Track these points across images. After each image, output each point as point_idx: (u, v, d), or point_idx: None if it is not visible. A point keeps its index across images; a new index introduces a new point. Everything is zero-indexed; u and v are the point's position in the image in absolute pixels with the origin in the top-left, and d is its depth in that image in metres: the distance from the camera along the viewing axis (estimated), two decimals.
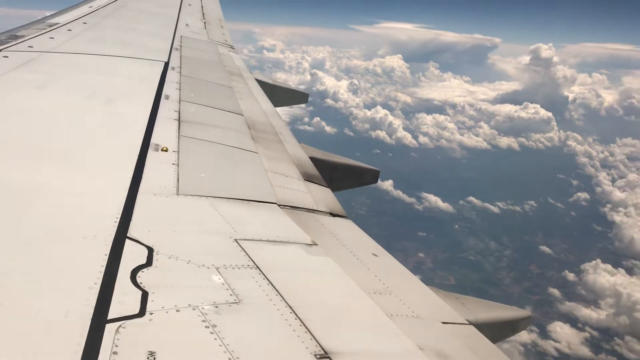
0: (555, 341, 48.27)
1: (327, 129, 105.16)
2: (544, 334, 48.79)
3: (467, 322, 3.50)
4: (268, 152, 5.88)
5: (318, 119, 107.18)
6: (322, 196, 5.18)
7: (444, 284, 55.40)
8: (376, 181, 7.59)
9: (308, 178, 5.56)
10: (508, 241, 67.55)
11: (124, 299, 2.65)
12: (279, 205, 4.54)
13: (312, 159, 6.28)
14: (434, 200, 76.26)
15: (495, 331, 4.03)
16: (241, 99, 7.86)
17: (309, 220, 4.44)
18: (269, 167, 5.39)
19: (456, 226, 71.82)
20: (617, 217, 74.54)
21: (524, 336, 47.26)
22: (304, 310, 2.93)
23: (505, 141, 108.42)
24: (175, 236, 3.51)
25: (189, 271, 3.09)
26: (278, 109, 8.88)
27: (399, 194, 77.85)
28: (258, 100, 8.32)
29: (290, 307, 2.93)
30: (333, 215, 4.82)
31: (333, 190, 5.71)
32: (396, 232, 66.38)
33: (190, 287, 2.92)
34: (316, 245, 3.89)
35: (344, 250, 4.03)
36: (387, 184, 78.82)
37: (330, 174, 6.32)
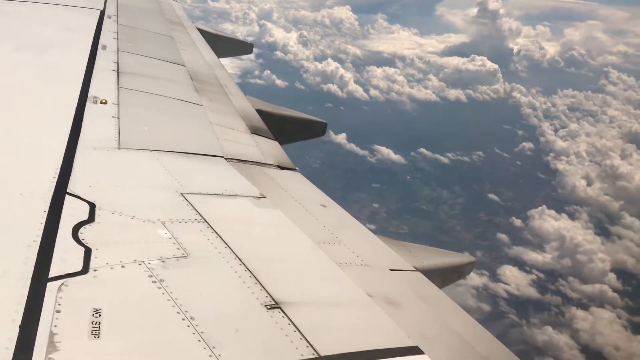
0: (505, 283, 50.83)
1: (278, 82, 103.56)
2: (494, 277, 51.19)
3: (414, 269, 3.60)
4: (213, 104, 5.78)
5: (268, 72, 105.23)
6: (269, 149, 5.16)
7: (397, 233, 56.67)
8: (324, 133, 7.61)
9: (255, 131, 5.51)
10: (458, 190, 69.40)
11: (65, 257, 2.59)
12: (226, 159, 4.50)
13: (258, 111, 6.22)
14: (386, 152, 77.14)
15: (442, 276, 4.18)
16: (183, 50, 7.66)
17: (256, 173, 4.43)
18: (214, 119, 5.31)
19: (408, 177, 73.09)
20: (560, 166, 77.60)
21: (476, 280, 49.48)
22: (253, 262, 2.95)
23: (453, 93, 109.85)
24: (118, 191, 3.44)
25: (134, 226, 3.05)
26: (224, 60, 8.71)
27: (352, 147, 78.27)
28: (200, 50, 8.13)
29: (239, 259, 2.95)
30: (281, 168, 4.82)
31: (281, 143, 5.69)
32: (350, 184, 67.05)
33: (136, 243, 2.88)
34: (264, 197, 3.89)
35: (292, 202, 4.05)
36: (340, 137, 79.09)
37: (278, 127, 6.28)
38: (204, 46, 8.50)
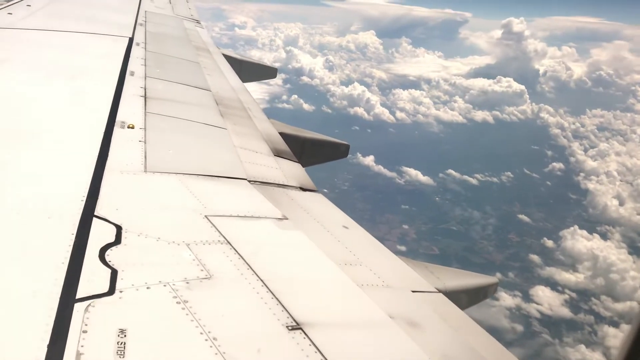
0: (538, 304, 50.29)
1: (306, 106, 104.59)
2: (527, 298, 50.68)
3: (436, 290, 3.60)
4: (237, 128, 5.88)
5: (296, 96, 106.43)
6: (292, 171, 5.22)
7: (428, 255, 56.47)
8: (346, 155, 7.65)
9: (278, 153, 5.59)
10: (488, 211, 68.81)
11: (92, 278, 2.67)
12: (249, 181, 4.57)
13: (281, 134, 6.30)
14: (415, 174, 77.12)
15: (464, 298, 4.15)
16: (208, 75, 7.81)
17: (279, 195, 4.49)
18: (238, 143, 5.40)
19: (437, 198, 72.78)
20: (591, 185, 76.47)
21: (508, 300, 49.16)
22: (275, 283, 2.99)
23: (480, 115, 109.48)
24: (144, 214, 3.53)
25: (159, 248, 3.12)
26: (252, 86, 8.85)
27: (380, 169, 78.41)
28: (225, 75, 8.28)
29: (261, 280, 2.99)
30: (303, 189, 4.86)
31: (304, 165, 5.75)
32: (379, 205, 67.07)
33: (161, 264, 2.95)
34: (287, 219, 3.94)
35: (314, 224, 4.08)
36: (368, 160, 79.36)
37: (300, 149, 6.37)
38: (229, 71, 8.66)
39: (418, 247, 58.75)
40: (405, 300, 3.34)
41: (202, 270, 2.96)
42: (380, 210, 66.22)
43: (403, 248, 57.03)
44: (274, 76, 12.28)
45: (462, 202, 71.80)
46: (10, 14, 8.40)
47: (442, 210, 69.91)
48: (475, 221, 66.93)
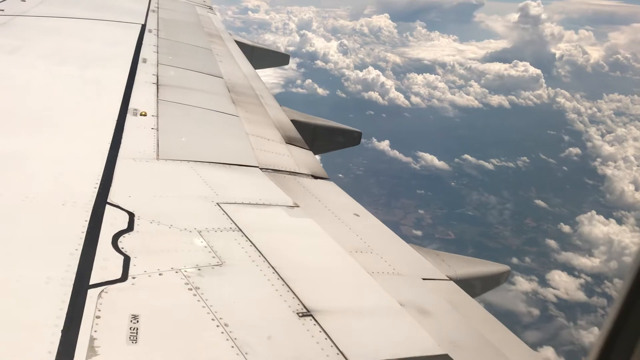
0: (554, 288, 50.40)
1: (320, 91, 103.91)
2: (543, 283, 50.76)
3: (447, 278, 3.61)
4: (249, 115, 5.91)
5: (310, 81, 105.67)
6: (303, 159, 5.23)
7: (444, 239, 56.48)
8: (359, 142, 7.64)
9: (290, 141, 5.60)
10: (504, 196, 68.54)
11: (105, 264, 2.71)
12: (261, 169, 4.60)
13: (293, 121, 6.31)
14: (430, 159, 76.70)
15: (475, 285, 4.16)
16: (220, 62, 7.83)
17: (290, 182, 4.51)
18: (250, 130, 5.43)
19: (453, 183, 72.49)
20: (608, 171, 75.69)
21: (525, 285, 49.40)
22: (286, 270, 3.02)
23: (496, 99, 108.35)
24: (156, 201, 3.57)
25: (171, 235, 3.15)
26: (266, 70, 8.84)
27: (395, 153, 78.06)
28: (238, 62, 8.29)
29: (273, 267, 3.02)
30: (315, 177, 4.88)
31: (315, 152, 5.76)
32: (395, 190, 66.96)
33: (173, 251, 2.99)
34: (298, 207, 3.96)
35: (325, 211, 4.10)
36: (383, 145, 79.01)
37: (312, 137, 6.38)
38: (241, 58, 8.66)
39: (434, 232, 58.69)
40: (416, 288, 3.35)
41: (213, 257, 3.00)
42: (395, 195, 66.16)
43: (419, 233, 57.03)
44: (287, 63, 12.26)
45: (478, 187, 71.49)
46: (24, 1, 8.45)
47: (458, 195, 69.63)
48: (492, 206, 66.67)
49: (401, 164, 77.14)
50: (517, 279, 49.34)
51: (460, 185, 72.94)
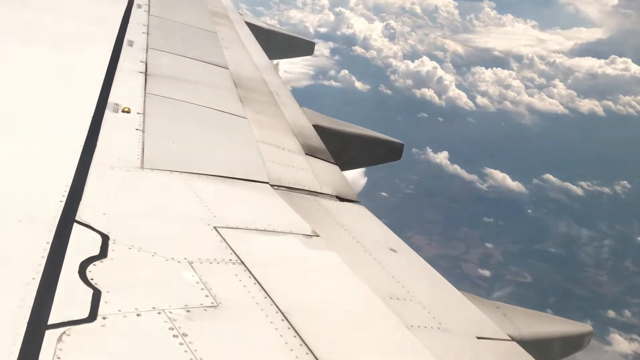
0: None
1: (358, 85, 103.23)
2: None
3: (509, 338, 3.55)
4: (260, 117, 5.92)
5: (346, 72, 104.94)
6: (327, 175, 5.23)
7: (517, 282, 56.07)
8: (399, 157, 7.61)
9: (311, 152, 5.61)
10: (598, 230, 67.70)
11: (70, 299, 2.70)
12: (272, 186, 4.59)
13: (316, 127, 6.32)
14: (501, 177, 75.97)
15: (547, 350, 4.09)
16: (227, 48, 7.88)
17: (309, 205, 4.50)
18: (261, 136, 5.44)
19: (530, 210, 71.85)
20: None
21: (624, 345, 48.84)
22: (299, 317, 2.98)
23: (586, 104, 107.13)
24: (138, 221, 3.57)
25: (155, 266, 3.14)
26: (287, 61, 8.85)
27: (456, 169, 77.57)
28: (249, 50, 8.34)
29: (282, 313, 2.99)
30: (341, 199, 4.86)
31: (343, 168, 5.74)
32: (454, 216, 66.46)
33: (156, 286, 2.98)
34: (317, 236, 3.94)
35: (353, 244, 4.08)
36: (440, 157, 78.61)
37: (339, 148, 6.36)
38: (253, 45, 8.72)
39: (505, 273, 58.22)
40: (468, 349, 3.30)
41: (207, 296, 2.97)
42: (455, 223, 65.73)
43: (485, 273, 56.61)
44: (311, 52, 12.29)
45: (564, 217, 70.65)
46: None
47: (537, 226, 68.90)
48: (582, 242, 65.87)
49: (463, 182, 76.70)
50: (614, 337, 48.69)
51: (540, 213, 72.22)
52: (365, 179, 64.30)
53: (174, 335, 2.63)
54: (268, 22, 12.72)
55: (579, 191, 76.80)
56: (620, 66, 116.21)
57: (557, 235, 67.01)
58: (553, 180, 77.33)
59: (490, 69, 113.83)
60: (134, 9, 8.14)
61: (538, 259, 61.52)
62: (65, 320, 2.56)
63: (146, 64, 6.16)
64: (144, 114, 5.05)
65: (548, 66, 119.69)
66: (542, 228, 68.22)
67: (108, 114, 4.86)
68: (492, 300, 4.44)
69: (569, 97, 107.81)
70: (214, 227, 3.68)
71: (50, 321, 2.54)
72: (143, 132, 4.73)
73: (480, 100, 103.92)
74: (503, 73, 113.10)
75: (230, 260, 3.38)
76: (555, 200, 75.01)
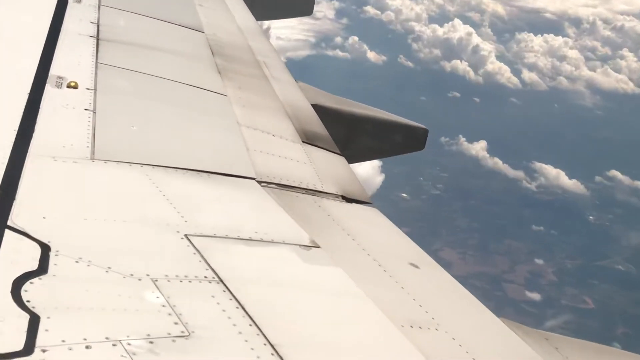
0: None
1: (371, 55, 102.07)
2: None
3: None
4: (243, 94, 5.92)
5: (356, 38, 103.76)
6: (330, 168, 5.23)
7: (576, 309, 55.89)
8: (422, 146, 7.59)
9: (309, 139, 5.62)
10: None
11: (0, 327, 2.71)
12: (260, 182, 4.60)
13: (316, 107, 6.31)
14: (555, 174, 75.30)
15: None
16: (201, 6, 7.88)
17: (307, 207, 4.51)
18: (244, 119, 5.44)
19: (591, 217, 71.46)
20: None
21: None
22: (294, 352, 3.00)
23: None
24: (88, 227, 3.57)
25: (109, 284, 3.15)
26: (283, 21, 8.75)
27: (496, 163, 76.85)
28: (230, 8, 8.33)
29: (271, 345, 2.99)
30: (348, 200, 4.87)
31: (351, 160, 5.74)
32: (495, 224, 65.92)
33: (110, 310, 2.98)
34: (318, 247, 3.94)
35: (363, 257, 4.08)
36: (476, 148, 77.90)
37: (346, 134, 6.36)
38: (236, 1, 8.71)
39: (560, 296, 57.94)
40: None
41: (176, 323, 2.98)
42: (496, 232, 65.37)
43: (535, 296, 56.35)
44: (310, 12, 12.25)
45: (635, 225, 70.35)
46: None
47: (601, 236, 68.62)
48: None
49: (507, 180, 76.24)
50: None
51: (605, 220, 71.90)
52: (382, 175, 64.06)
53: None
54: None
55: None
56: None
57: (626, 248, 66.76)
58: (621, 179, 77.14)
59: (540, 35, 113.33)
60: None
61: (602, 279, 61.32)
62: None
63: (98, 26, 6.16)
64: (95, 89, 5.06)
65: (614, 32, 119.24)
66: (607, 239, 67.95)
67: (49, 89, 4.86)
68: (542, 330, 4.44)
69: None
70: (185, 235, 3.69)
71: None
72: (94, 113, 4.74)
73: (527, 75, 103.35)
74: (556, 41, 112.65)
75: (206, 277, 3.39)
76: (623, 203, 74.75)
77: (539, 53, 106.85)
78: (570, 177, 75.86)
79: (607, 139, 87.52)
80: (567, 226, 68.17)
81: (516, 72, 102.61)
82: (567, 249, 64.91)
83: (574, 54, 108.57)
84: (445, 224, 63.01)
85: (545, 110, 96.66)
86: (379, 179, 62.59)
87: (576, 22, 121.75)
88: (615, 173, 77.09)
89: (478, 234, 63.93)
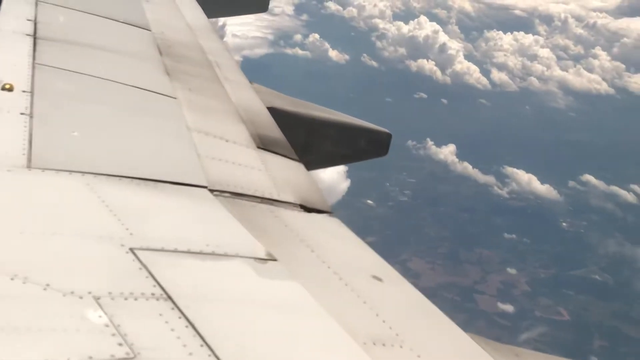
0: None
1: (333, 54, 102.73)
2: None
3: None
4: (194, 96, 5.91)
5: (317, 36, 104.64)
6: (288, 176, 5.24)
7: (551, 321, 56.52)
8: (386, 152, 7.62)
9: (265, 144, 5.62)
10: None
11: None
12: (212, 191, 4.60)
13: (272, 111, 6.32)
14: (526, 179, 76.08)
15: None
16: (147, 1, 7.87)
17: (263, 217, 4.51)
18: (195, 123, 5.44)
19: (564, 224, 72.23)
20: None
21: None
22: None
23: (638, 81, 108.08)
24: (23, 241, 3.54)
25: (47, 302, 3.12)
26: (235, 18, 8.77)
27: (466, 167, 77.53)
28: (179, 4, 8.33)
29: None
30: (307, 209, 4.88)
31: (310, 166, 5.75)
32: (465, 232, 66.47)
33: (48, 331, 2.95)
34: (274, 260, 3.94)
35: (323, 270, 4.08)
36: (445, 152, 78.61)
37: (305, 139, 6.36)
38: None
39: (533, 307, 58.56)
40: None
41: (120, 344, 2.96)
42: (467, 241, 65.96)
43: (507, 308, 56.88)
44: (265, 8, 12.28)
45: (611, 232, 71.23)
46: None
47: (575, 244, 69.43)
48: (636, 266, 66.42)
49: (477, 186, 76.94)
50: None
51: (579, 227, 72.75)
52: (348, 181, 64.37)
53: None
54: None
55: (630, 197, 77.71)
56: None
57: (602, 256, 67.65)
58: (595, 183, 78.13)
59: (509, 33, 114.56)
60: None
61: (578, 290, 62.05)
62: None
63: (35, 23, 6.13)
64: (32, 92, 5.02)
65: (587, 30, 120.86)
66: (582, 247, 68.80)
67: None
68: (516, 344, 4.47)
69: (614, 72, 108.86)
70: (130, 249, 3.67)
71: None
72: (31, 117, 4.71)
73: (496, 76, 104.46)
74: (527, 39, 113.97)
75: (153, 294, 3.37)
76: (598, 209, 75.74)
77: (508, 52, 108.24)
78: (543, 182, 76.78)
79: (581, 142, 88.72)
80: (540, 234, 68.94)
81: (485, 72, 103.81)
82: (540, 258, 65.69)
83: (545, 52, 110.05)
84: (413, 233, 63.48)
85: (516, 112, 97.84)
86: (345, 185, 62.93)
87: (547, 19, 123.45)
88: (589, 177, 78.15)
89: (448, 243, 64.54)
